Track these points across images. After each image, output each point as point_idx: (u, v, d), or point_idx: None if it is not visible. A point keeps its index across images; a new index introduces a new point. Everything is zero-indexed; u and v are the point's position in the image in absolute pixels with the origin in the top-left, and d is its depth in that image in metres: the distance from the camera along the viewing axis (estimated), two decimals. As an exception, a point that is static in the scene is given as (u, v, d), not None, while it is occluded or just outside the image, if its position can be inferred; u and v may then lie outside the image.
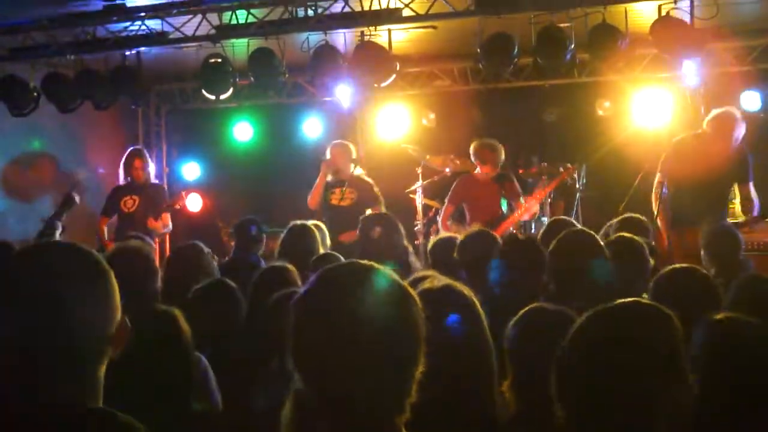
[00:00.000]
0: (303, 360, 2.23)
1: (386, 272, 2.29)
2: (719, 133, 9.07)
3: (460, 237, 6.81)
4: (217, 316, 5.11)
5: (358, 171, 10.82)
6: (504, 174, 10.66)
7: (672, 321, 2.61)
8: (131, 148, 11.36)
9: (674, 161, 9.17)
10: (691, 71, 10.74)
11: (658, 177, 9.28)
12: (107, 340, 2.20)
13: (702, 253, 7.40)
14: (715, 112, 9.25)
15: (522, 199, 10.51)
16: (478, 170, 10.50)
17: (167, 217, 10.79)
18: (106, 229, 10.92)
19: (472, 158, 10.56)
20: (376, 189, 10.64)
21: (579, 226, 7.37)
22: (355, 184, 10.60)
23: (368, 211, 10.41)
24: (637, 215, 8.32)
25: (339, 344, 2.15)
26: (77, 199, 10.03)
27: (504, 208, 10.51)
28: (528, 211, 10.35)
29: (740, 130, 9.08)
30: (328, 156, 10.62)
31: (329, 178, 10.58)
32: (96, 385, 2.21)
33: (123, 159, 11.03)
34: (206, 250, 6.68)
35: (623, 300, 2.71)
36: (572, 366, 2.58)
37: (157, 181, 11.43)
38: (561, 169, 11.02)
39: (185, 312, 4.00)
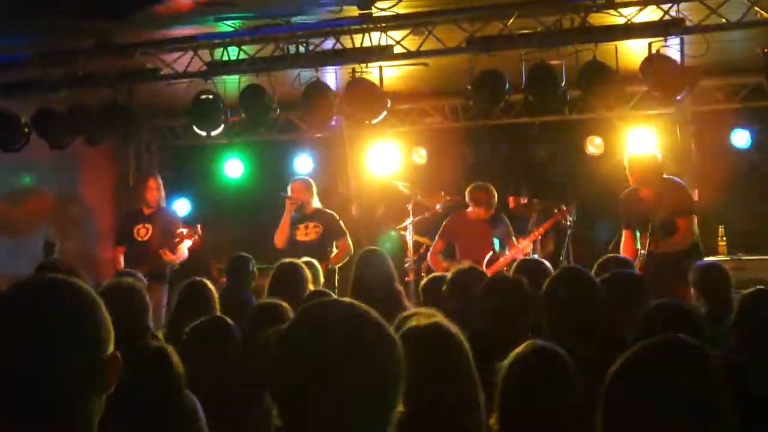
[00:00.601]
0: (280, 397, 2.22)
1: (366, 311, 2.27)
2: (632, 177, 9.46)
3: (449, 273, 6.82)
4: (214, 353, 5.09)
5: (318, 203, 10.88)
6: (496, 214, 10.66)
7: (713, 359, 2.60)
8: (148, 173, 11.41)
9: (625, 216, 9.66)
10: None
11: (624, 236, 9.69)
12: (98, 373, 2.18)
13: (692, 290, 7.38)
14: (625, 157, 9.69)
15: (514, 239, 10.52)
16: (470, 209, 10.50)
17: (183, 248, 10.79)
18: (122, 259, 10.92)
19: (467, 199, 10.57)
20: (340, 221, 10.69)
21: (546, 264, 7.41)
22: (319, 218, 10.65)
23: (341, 245, 10.48)
24: (616, 254, 8.44)
25: (314, 382, 2.13)
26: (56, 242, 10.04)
27: (496, 247, 10.50)
28: (522, 251, 10.35)
29: (640, 166, 9.36)
30: (289, 192, 10.66)
31: (293, 214, 10.62)
32: (90, 422, 2.19)
33: (142, 184, 11.19)
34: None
35: (669, 336, 2.70)
36: (622, 401, 2.55)
37: (167, 206, 11.40)
38: (555, 210, 11.02)
39: (183, 348, 3.99)
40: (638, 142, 11.95)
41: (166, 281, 10.66)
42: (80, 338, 2.16)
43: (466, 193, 10.68)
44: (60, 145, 10.85)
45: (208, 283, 7.11)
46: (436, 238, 10.80)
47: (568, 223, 11.45)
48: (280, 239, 10.72)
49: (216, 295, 7.05)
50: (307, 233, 10.62)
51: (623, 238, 9.70)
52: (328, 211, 10.90)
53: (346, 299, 2.34)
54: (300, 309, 2.33)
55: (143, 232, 10.82)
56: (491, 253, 10.33)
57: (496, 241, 10.59)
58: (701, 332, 4.66)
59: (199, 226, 10.88)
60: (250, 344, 5.06)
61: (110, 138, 11.05)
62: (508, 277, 6.35)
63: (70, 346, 2.13)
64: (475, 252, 10.27)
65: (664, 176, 9.41)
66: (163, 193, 11.11)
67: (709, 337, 4.71)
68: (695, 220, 9.31)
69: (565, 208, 10.91)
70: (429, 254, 10.91)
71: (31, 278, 2.36)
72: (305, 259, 8.91)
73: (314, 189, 10.94)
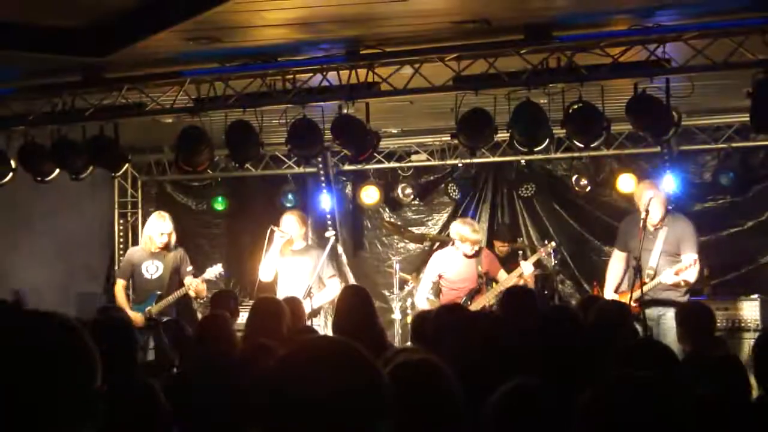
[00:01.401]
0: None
1: (356, 349, 2.28)
2: (638, 206, 9.75)
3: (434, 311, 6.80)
4: (213, 389, 5.06)
5: (308, 239, 10.85)
6: (482, 249, 10.64)
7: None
8: (157, 212, 11.39)
9: (624, 237, 10.00)
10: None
11: (614, 255, 10.12)
12: (88, 408, 2.16)
13: (677, 329, 7.39)
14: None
15: (503, 271, 10.50)
16: (456, 246, 10.44)
17: (203, 289, 10.79)
18: (123, 294, 10.98)
19: (453, 236, 10.54)
20: (331, 260, 10.58)
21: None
22: (308, 255, 10.55)
23: (329, 283, 10.37)
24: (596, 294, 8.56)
25: (304, 421, 2.14)
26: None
27: (482, 280, 10.46)
28: (523, 274, 10.35)
29: (646, 198, 9.54)
30: (281, 226, 10.57)
31: (282, 248, 10.54)
32: None
33: (150, 222, 11.12)
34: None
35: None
36: None
37: (177, 245, 11.36)
38: (539, 246, 11.04)
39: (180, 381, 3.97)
40: (625, 181, 12.08)
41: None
42: (71, 373, 2.14)
43: (452, 230, 10.67)
44: (45, 180, 10.80)
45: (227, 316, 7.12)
46: (423, 276, 10.75)
47: (554, 261, 11.48)
48: (265, 273, 10.59)
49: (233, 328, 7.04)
50: (293, 269, 10.49)
51: (613, 258, 9.86)
52: (318, 248, 10.83)
53: (336, 337, 2.36)
54: (291, 347, 2.33)
55: (153, 269, 10.82)
56: (475, 286, 10.29)
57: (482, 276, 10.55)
58: (677, 371, 4.68)
59: (220, 265, 10.91)
60: (238, 381, 5.02)
61: (95, 172, 10.98)
62: (486, 314, 6.35)
63: (61, 381, 2.11)
64: (461, 287, 10.25)
65: (669, 209, 9.59)
66: (173, 233, 11.05)
67: (688, 375, 4.73)
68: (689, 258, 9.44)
69: (547, 244, 10.98)
70: (417, 295, 10.85)
71: (18, 313, 2.34)
72: (288, 295, 8.87)
73: (307, 223, 10.89)
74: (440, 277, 10.49)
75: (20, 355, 2.11)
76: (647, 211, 9.29)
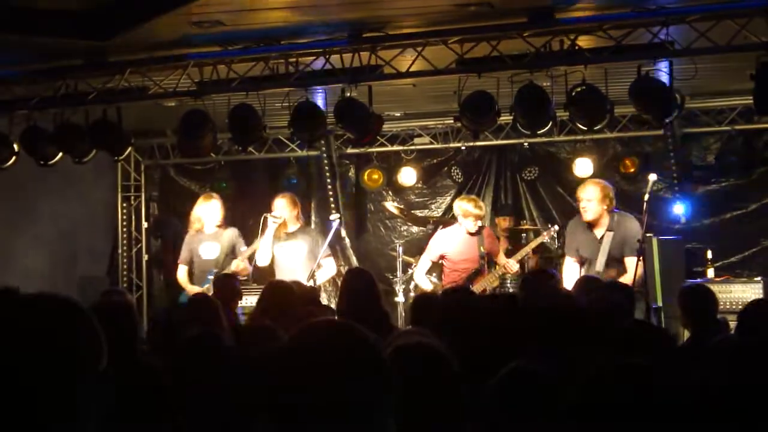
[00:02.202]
0: (274, 416, 2.22)
1: (360, 331, 2.28)
2: (583, 207, 9.69)
3: (438, 293, 6.80)
4: (205, 369, 5.06)
5: (302, 220, 10.86)
6: (484, 228, 10.62)
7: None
8: (206, 193, 11.55)
9: (572, 243, 9.93)
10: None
11: (566, 263, 9.97)
12: (92, 390, 2.17)
13: (680, 312, 7.38)
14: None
15: (502, 256, 10.49)
16: (458, 225, 10.42)
17: (245, 268, 10.83)
18: (185, 277, 11.11)
19: (456, 213, 10.51)
20: (326, 240, 10.58)
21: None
22: (303, 236, 10.56)
23: (324, 263, 10.36)
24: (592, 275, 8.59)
25: (307, 402, 2.15)
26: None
27: (484, 261, 10.45)
28: (508, 269, 10.34)
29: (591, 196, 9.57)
30: (274, 210, 10.58)
31: (276, 231, 10.54)
32: None
33: (200, 204, 11.18)
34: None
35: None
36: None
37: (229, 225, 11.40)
38: (543, 231, 11.03)
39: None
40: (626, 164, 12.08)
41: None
42: (77, 355, 2.14)
43: (455, 206, 10.65)
44: (48, 163, 10.81)
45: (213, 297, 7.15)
46: (424, 257, 10.74)
47: (557, 244, 11.48)
48: (261, 258, 10.65)
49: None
50: (289, 251, 10.53)
51: (566, 265, 9.84)
52: (312, 229, 10.84)
53: (339, 319, 2.36)
54: (297, 329, 2.33)
55: (209, 250, 10.94)
56: (477, 267, 10.29)
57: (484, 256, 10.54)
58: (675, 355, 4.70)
59: (254, 244, 11.00)
60: (240, 364, 5.02)
61: (98, 156, 10.99)
62: (497, 296, 6.34)
63: (67, 364, 2.12)
64: (463, 268, 10.25)
65: (615, 210, 9.51)
66: (222, 211, 11.11)
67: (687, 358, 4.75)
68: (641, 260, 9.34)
69: (550, 228, 10.98)
70: (416, 273, 10.83)
71: (21, 296, 2.34)
72: (287, 277, 8.88)
73: (299, 205, 10.90)
74: (442, 257, 10.47)
75: (27, 339, 2.12)
76: (650, 193, 9.24)
